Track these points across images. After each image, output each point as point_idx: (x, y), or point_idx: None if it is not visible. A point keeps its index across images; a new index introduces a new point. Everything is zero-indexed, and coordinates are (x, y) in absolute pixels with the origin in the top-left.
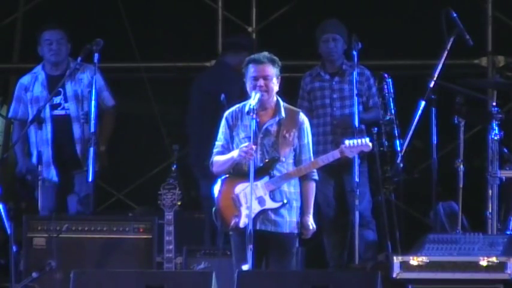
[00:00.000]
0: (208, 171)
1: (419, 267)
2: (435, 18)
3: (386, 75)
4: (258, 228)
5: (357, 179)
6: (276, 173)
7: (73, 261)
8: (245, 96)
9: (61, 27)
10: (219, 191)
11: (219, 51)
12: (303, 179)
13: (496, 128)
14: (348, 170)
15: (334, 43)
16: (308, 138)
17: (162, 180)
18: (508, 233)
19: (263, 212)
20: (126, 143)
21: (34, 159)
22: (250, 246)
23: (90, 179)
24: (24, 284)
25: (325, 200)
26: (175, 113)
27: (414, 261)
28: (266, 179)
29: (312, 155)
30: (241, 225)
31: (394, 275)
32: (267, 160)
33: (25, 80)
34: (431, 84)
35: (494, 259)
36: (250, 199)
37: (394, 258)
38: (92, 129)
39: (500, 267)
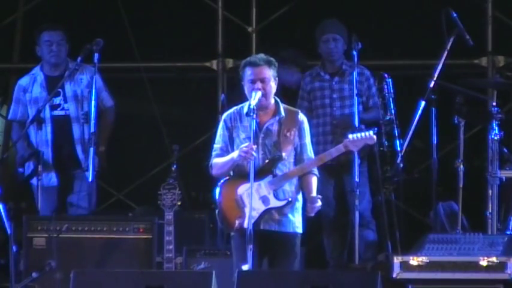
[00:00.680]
0: None
1: (419, 267)
2: (435, 18)
3: (386, 75)
4: (262, 228)
5: (356, 179)
6: (278, 172)
7: (73, 261)
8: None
9: (60, 27)
10: (221, 193)
11: (219, 51)
12: (304, 174)
13: (496, 128)
14: (347, 170)
15: (335, 43)
16: (308, 137)
17: (162, 180)
18: (508, 233)
19: (267, 212)
20: (126, 143)
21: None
22: (250, 246)
23: (90, 179)
24: (24, 284)
25: (325, 200)
26: (175, 113)
27: (414, 261)
28: (270, 178)
29: (312, 154)
30: (246, 225)
31: (394, 275)
32: (268, 160)
33: (24, 81)
34: (431, 84)
35: (494, 259)
36: (250, 199)
37: (394, 258)
38: (92, 130)
39: (500, 267)
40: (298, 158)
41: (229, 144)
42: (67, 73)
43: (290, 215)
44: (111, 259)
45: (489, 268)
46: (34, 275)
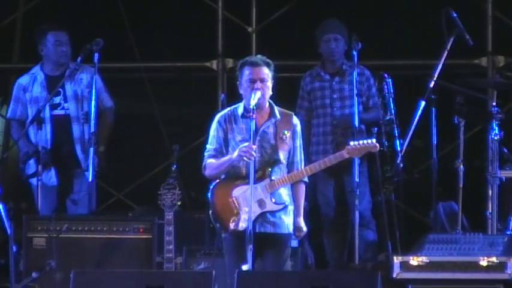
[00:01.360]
0: None
1: (419, 267)
2: (435, 18)
3: (386, 75)
4: (257, 230)
5: (356, 179)
6: (274, 175)
7: (73, 261)
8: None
9: (65, 27)
10: (215, 195)
11: (219, 51)
12: (295, 182)
13: (496, 128)
14: (347, 170)
15: (336, 43)
16: (300, 140)
17: (162, 180)
18: (508, 233)
19: (261, 215)
20: (126, 143)
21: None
22: (250, 247)
23: (90, 179)
24: (24, 284)
25: (325, 200)
26: (175, 113)
27: (414, 261)
28: (267, 181)
29: (302, 156)
30: (240, 228)
31: (394, 275)
32: (265, 162)
33: (23, 80)
34: (431, 84)
35: (494, 259)
36: (250, 201)
37: (394, 258)
38: (92, 129)
39: (500, 267)
40: (291, 160)
41: (224, 145)
42: (67, 73)
43: (284, 217)
44: (111, 259)
45: (489, 268)
46: (34, 275)
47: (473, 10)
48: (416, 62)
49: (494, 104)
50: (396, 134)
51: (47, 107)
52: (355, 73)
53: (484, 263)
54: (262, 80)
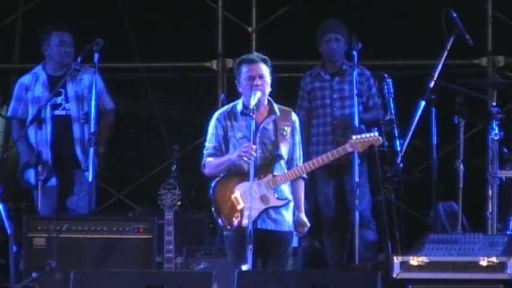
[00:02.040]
0: None
1: (419, 267)
2: (435, 18)
3: (386, 75)
4: (259, 226)
5: (356, 179)
6: (277, 171)
7: (73, 261)
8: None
9: (69, 28)
10: (217, 192)
11: (219, 51)
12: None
13: (496, 128)
14: (347, 170)
15: (337, 43)
16: (299, 137)
17: (162, 180)
18: (508, 233)
19: (265, 211)
20: (126, 143)
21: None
22: (250, 246)
23: (90, 179)
24: (24, 284)
25: (325, 200)
26: (175, 113)
27: (414, 261)
28: (270, 177)
29: (302, 153)
30: (244, 224)
31: (394, 275)
32: (268, 159)
33: (25, 79)
34: (431, 84)
35: (494, 259)
36: (251, 199)
37: (394, 258)
38: (92, 130)
39: (500, 267)
40: (290, 157)
41: (224, 143)
42: (68, 73)
43: (285, 214)
44: (111, 259)
45: (489, 268)
46: (34, 275)
47: (473, 10)
48: (416, 62)
49: (494, 104)
50: (396, 134)
51: (48, 107)
52: (355, 73)
53: (484, 263)
54: (261, 77)
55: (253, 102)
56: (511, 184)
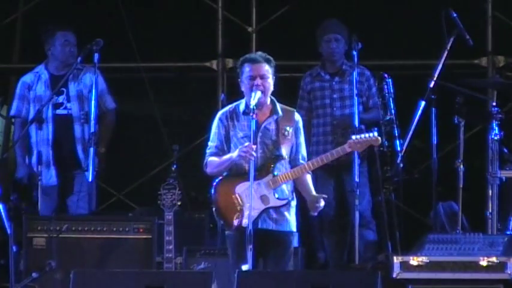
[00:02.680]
0: None
1: (419, 267)
2: (435, 18)
3: (386, 75)
4: (260, 226)
5: (356, 179)
6: (277, 171)
7: (73, 261)
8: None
9: (72, 28)
10: (218, 192)
11: (219, 51)
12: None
13: (496, 128)
14: (347, 170)
15: (337, 43)
16: (302, 136)
17: (162, 180)
18: (508, 233)
19: (265, 211)
20: (126, 143)
21: (34, 159)
22: (250, 247)
23: (90, 179)
24: (24, 284)
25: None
26: (175, 113)
27: (414, 261)
28: (270, 177)
29: (305, 153)
30: (244, 224)
31: (394, 275)
32: (269, 159)
33: (27, 78)
34: (431, 84)
35: (494, 259)
36: (250, 199)
37: (394, 258)
38: (92, 130)
39: (500, 267)
40: (293, 157)
41: (225, 142)
42: (69, 72)
43: (286, 214)
44: (111, 259)
45: (489, 268)
46: (34, 275)
47: (473, 10)
48: (416, 62)
49: (494, 104)
50: (396, 134)
51: (50, 106)
52: (355, 73)
53: (484, 263)
54: (262, 77)
55: (253, 102)
56: (511, 184)
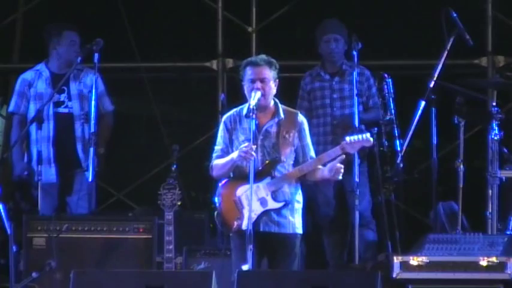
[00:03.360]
0: None
1: (419, 267)
2: (435, 18)
3: (386, 75)
4: (261, 229)
5: (356, 179)
6: (277, 173)
7: (73, 261)
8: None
9: (76, 28)
10: (220, 195)
11: (219, 51)
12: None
13: (496, 128)
14: (348, 169)
15: (336, 43)
16: (308, 138)
17: (162, 180)
18: (508, 233)
19: (266, 213)
20: (126, 143)
21: (34, 158)
22: (250, 247)
23: (90, 179)
24: (24, 284)
25: (325, 200)
26: (175, 113)
27: (414, 261)
28: (268, 179)
29: (313, 154)
30: (244, 227)
31: (394, 275)
32: (267, 161)
33: (28, 75)
34: (431, 84)
35: (494, 259)
36: (250, 201)
37: (394, 258)
38: (92, 129)
39: (500, 267)
40: (302, 159)
41: (230, 146)
42: (70, 71)
43: (290, 216)
44: (111, 259)
45: (489, 268)
46: (34, 275)
47: (473, 10)
48: (416, 62)
49: (494, 104)
50: (396, 134)
51: (51, 104)
52: (355, 73)
53: (484, 263)
54: (263, 80)
55: (252, 102)
56: (511, 184)
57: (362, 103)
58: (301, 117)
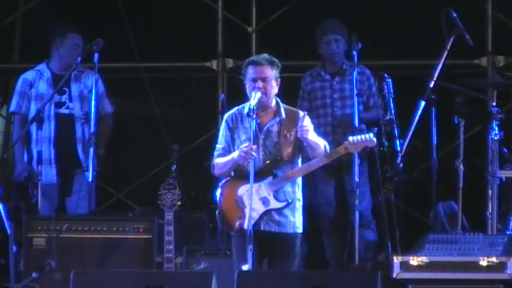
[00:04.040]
0: None
1: (419, 267)
2: (435, 18)
3: (386, 75)
4: (262, 229)
5: (357, 179)
6: (279, 173)
7: (73, 261)
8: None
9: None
10: (221, 194)
11: (219, 51)
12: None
13: (496, 128)
14: (348, 169)
15: (337, 44)
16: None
17: (162, 180)
18: (508, 233)
19: (267, 213)
20: (126, 143)
21: (34, 159)
22: (250, 246)
23: (90, 179)
24: (24, 284)
25: (325, 200)
26: (175, 113)
27: (414, 261)
28: (270, 179)
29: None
30: (246, 226)
31: (394, 275)
32: (268, 161)
33: (29, 75)
34: (431, 84)
35: (494, 259)
36: (250, 201)
37: (394, 258)
38: (92, 129)
39: (500, 267)
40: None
41: (231, 144)
42: (73, 73)
43: (290, 216)
44: (111, 259)
45: (489, 268)
46: (34, 275)
47: (473, 10)
48: (416, 62)
49: (494, 104)
50: (396, 134)
51: (52, 105)
52: (355, 73)
53: (484, 263)
54: (264, 80)
55: (253, 102)
56: (511, 184)
57: (362, 102)
58: (302, 115)
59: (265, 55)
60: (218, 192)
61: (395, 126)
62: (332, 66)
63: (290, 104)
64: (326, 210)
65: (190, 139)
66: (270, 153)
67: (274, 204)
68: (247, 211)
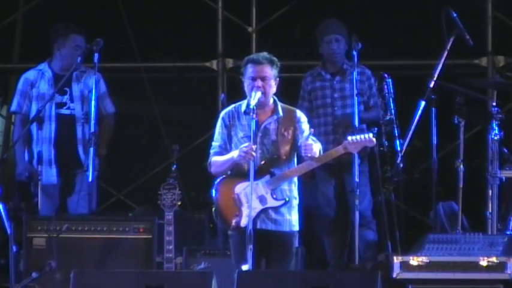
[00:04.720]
0: None
1: (419, 267)
2: (435, 18)
3: (386, 75)
4: (258, 227)
5: (357, 179)
6: (277, 171)
7: (73, 261)
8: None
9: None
10: (218, 191)
11: (219, 51)
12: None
13: (496, 128)
14: (348, 169)
15: (337, 44)
16: (308, 130)
17: (162, 180)
18: (508, 233)
19: (264, 211)
20: (126, 142)
21: (34, 159)
22: (250, 246)
23: (90, 179)
24: (24, 284)
25: (325, 199)
26: (175, 113)
27: (414, 261)
28: (267, 177)
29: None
30: (243, 224)
31: (394, 275)
32: (266, 159)
33: (30, 75)
34: (431, 84)
35: (494, 259)
36: (250, 198)
37: (394, 258)
38: (92, 130)
39: (500, 267)
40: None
41: (229, 142)
42: (75, 74)
43: (287, 214)
44: (111, 259)
45: (489, 268)
46: (34, 275)
47: (473, 10)
48: (416, 62)
49: (494, 104)
50: (396, 134)
51: (53, 105)
52: (355, 73)
53: (484, 263)
54: (264, 78)
55: (253, 102)
56: (511, 184)
57: (363, 102)
58: (299, 114)
59: (265, 54)
60: (215, 189)
61: (395, 126)
62: (333, 66)
63: (290, 104)
64: (326, 210)
65: (190, 139)
66: (267, 152)
67: (271, 202)
68: (244, 209)
